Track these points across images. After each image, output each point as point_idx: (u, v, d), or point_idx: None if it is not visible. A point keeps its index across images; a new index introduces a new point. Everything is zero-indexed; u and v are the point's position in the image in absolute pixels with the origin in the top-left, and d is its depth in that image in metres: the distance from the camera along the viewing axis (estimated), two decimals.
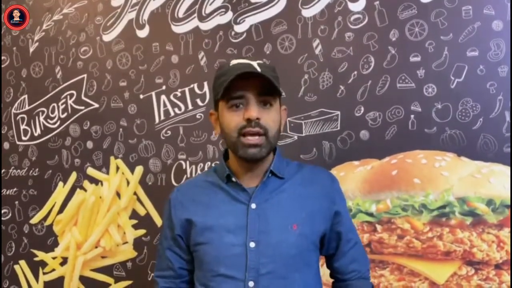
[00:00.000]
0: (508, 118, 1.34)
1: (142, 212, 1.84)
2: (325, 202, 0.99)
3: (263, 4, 1.66)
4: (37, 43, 2.12)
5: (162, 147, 1.81)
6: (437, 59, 1.42)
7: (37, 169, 2.08)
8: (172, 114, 1.80)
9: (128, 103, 1.89)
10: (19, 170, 2.12)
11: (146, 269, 1.82)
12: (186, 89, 1.78)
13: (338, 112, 1.54)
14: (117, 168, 1.90)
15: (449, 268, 1.37)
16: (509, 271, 1.32)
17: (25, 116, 2.13)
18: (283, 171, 0.99)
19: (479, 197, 1.34)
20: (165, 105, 1.82)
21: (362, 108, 1.50)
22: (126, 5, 1.91)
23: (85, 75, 1.99)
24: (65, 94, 2.03)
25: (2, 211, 2.14)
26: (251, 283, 0.89)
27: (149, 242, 1.82)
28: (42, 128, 2.08)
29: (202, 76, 1.75)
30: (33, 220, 2.06)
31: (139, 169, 1.85)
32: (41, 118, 2.08)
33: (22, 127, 2.13)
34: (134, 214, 1.85)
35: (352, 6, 1.54)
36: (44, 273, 2.02)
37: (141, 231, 1.83)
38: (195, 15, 1.78)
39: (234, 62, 0.93)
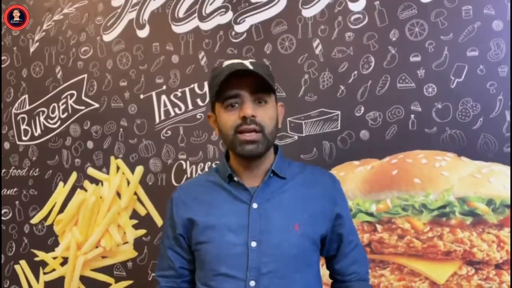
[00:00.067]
0: (508, 118, 1.35)
1: (142, 212, 1.84)
2: (326, 204, 0.99)
3: (263, 4, 1.66)
4: (37, 43, 2.12)
5: (163, 147, 1.81)
6: (437, 59, 1.42)
7: (37, 169, 2.08)
8: (173, 114, 1.81)
9: (129, 103, 1.89)
10: (19, 170, 2.12)
11: (147, 269, 1.82)
12: (187, 89, 1.78)
13: (338, 112, 1.54)
14: (118, 168, 1.90)
15: (450, 268, 1.38)
16: (509, 271, 1.32)
17: (25, 116, 2.13)
18: (285, 171, 0.99)
19: (479, 197, 1.35)
20: (165, 105, 1.82)
21: (362, 108, 1.51)
22: (127, 5, 1.92)
23: (85, 75, 1.99)
24: (65, 94, 2.03)
25: (3, 211, 2.15)
26: (252, 283, 0.89)
27: (150, 242, 1.82)
28: (43, 128, 2.08)
29: (202, 76, 1.75)
30: (34, 220, 2.06)
31: (139, 169, 1.85)
32: (42, 118, 2.08)
33: (23, 127, 2.13)
34: (134, 214, 1.85)
35: (352, 6, 1.54)
36: (44, 273, 2.03)
37: (142, 231, 1.84)
38: (195, 15, 1.78)
39: (227, 62, 0.94)
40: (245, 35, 1.69)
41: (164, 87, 1.82)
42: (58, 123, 2.04)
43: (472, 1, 1.39)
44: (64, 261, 1.98)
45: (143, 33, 1.88)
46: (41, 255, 2.04)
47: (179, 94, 1.80)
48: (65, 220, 1.98)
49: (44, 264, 2.03)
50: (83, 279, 1.94)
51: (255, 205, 0.94)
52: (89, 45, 1.99)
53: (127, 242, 1.86)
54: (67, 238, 1.97)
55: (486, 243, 1.34)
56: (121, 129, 1.90)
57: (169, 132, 1.81)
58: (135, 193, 1.85)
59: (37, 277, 2.05)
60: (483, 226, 1.34)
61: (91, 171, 1.95)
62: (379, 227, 1.45)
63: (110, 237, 1.88)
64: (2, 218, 2.15)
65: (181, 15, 1.81)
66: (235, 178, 0.97)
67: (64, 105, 2.03)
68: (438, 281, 1.38)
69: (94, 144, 1.95)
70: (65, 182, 2.00)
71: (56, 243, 2.00)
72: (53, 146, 2.04)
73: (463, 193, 1.36)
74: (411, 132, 1.44)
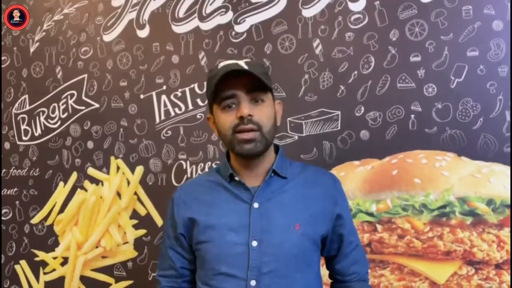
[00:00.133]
0: (508, 118, 1.35)
1: (142, 212, 1.84)
2: (327, 204, 0.99)
3: (263, 4, 1.66)
4: (37, 43, 2.12)
5: (163, 147, 1.81)
6: (437, 59, 1.42)
7: (37, 169, 2.08)
8: (173, 114, 1.81)
9: (129, 103, 1.89)
10: (19, 170, 2.12)
11: (147, 269, 1.82)
12: (187, 89, 1.79)
13: (339, 112, 1.54)
14: (118, 168, 1.90)
15: (450, 268, 1.38)
16: (509, 271, 1.32)
17: (25, 116, 2.13)
18: (286, 171, 0.99)
19: (479, 197, 1.35)
20: (165, 105, 1.82)
21: (363, 108, 1.51)
22: (127, 5, 1.92)
23: (85, 75, 1.99)
24: (65, 94, 2.03)
25: (3, 211, 2.15)
26: (253, 282, 0.89)
27: (150, 242, 1.82)
28: (43, 128, 2.08)
29: (202, 76, 1.75)
30: (34, 220, 2.06)
31: (139, 169, 1.85)
32: (42, 118, 2.08)
33: (23, 127, 2.13)
34: (134, 214, 1.85)
35: (352, 6, 1.54)
36: (44, 273, 2.03)
37: (142, 231, 1.84)
38: (196, 15, 1.78)
39: (221, 64, 0.94)
40: (245, 35, 1.69)
41: (164, 87, 1.82)
42: (58, 123, 2.04)
43: (472, 1, 1.39)
44: (64, 261, 1.98)
45: (143, 33, 1.88)
46: (41, 255, 2.04)
47: (179, 94, 1.80)
48: (65, 220, 1.98)
49: (44, 264, 2.03)
50: (83, 279, 1.94)
51: (256, 205, 0.94)
52: (89, 45, 1.99)
53: (127, 242, 1.86)
54: (67, 238, 1.97)
55: (486, 243, 1.34)
56: (121, 129, 1.90)
57: (169, 132, 1.81)
58: (135, 193, 1.85)
59: (37, 277, 2.05)
60: (483, 226, 1.34)
61: (91, 171, 1.95)
62: (379, 227, 1.45)
63: (110, 237, 1.88)
64: (2, 218, 2.15)
65: (181, 15, 1.81)
66: (236, 178, 0.97)
67: (64, 105, 2.03)
68: (438, 281, 1.38)
69: (94, 144, 1.95)
70: (65, 182, 2.00)
71: (56, 243, 2.01)
72: (53, 146, 2.04)
73: (463, 193, 1.36)
74: (411, 132, 1.44)
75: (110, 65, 1.94)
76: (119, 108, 1.91)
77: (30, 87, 2.12)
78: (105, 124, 1.93)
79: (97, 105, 1.96)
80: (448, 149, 1.40)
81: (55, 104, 2.05)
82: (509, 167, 1.33)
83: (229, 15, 1.72)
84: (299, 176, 1.01)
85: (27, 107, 2.12)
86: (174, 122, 1.80)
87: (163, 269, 1.07)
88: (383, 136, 1.47)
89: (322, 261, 1.08)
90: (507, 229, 1.32)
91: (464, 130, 1.38)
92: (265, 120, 0.92)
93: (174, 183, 1.78)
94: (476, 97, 1.38)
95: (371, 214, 1.46)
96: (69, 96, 2.02)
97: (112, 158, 1.91)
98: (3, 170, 2.16)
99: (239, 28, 1.70)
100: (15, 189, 2.13)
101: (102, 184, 1.92)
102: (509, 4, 1.36)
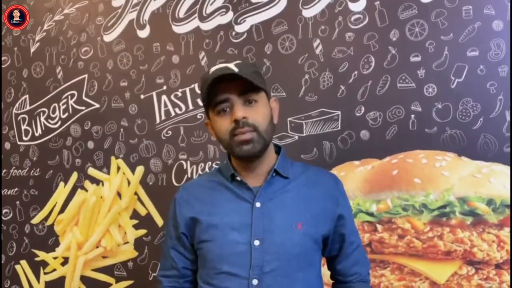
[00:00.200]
0: (508, 118, 1.35)
1: (143, 212, 1.84)
2: (328, 204, 1.00)
3: (263, 4, 1.66)
4: (38, 43, 2.12)
5: (163, 147, 1.82)
6: (438, 59, 1.43)
7: (38, 169, 2.08)
8: (173, 114, 1.81)
9: (129, 103, 1.89)
10: (20, 170, 2.12)
11: (147, 269, 1.83)
12: (187, 89, 1.79)
13: (339, 112, 1.54)
14: (118, 168, 1.90)
15: (450, 267, 1.38)
16: (510, 271, 1.32)
17: (26, 116, 2.13)
18: (287, 171, 1.00)
19: (479, 197, 1.35)
20: (165, 105, 1.82)
21: (363, 108, 1.51)
22: (127, 5, 1.92)
23: (86, 75, 1.99)
24: (66, 94, 2.03)
25: (3, 211, 2.15)
26: (255, 281, 0.90)
27: (150, 242, 1.82)
28: (43, 128, 2.08)
29: None
30: (34, 220, 2.06)
31: (140, 169, 1.85)
32: (42, 118, 2.08)
33: (23, 127, 2.14)
34: (135, 214, 1.85)
35: (352, 6, 1.54)
36: (45, 273, 2.03)
37: (142, 231, 1.84)
38: (196, 15, 1.78)
39: (213, 69, 0.94)
40: (245, 35, 1.69)
41: (165, 87, 1.83)
42: (59, 123, 2.04)
43: (472, 1, 1.39)
44: (65, 261, 1.98)
45: (143, 33, 1.88)
46: (41, 255, 2.04)
47: (180, 94, 1.80)
48: (65, 220, 1.98)
49: (44, 264, 2.03)
50: (83, 279, 1.94)
51: (258, 204, 0.94)
52: (89, 45, 1.99)
53: (127, 242, 1.86)
54: (67, 238, 1.97)
55: (486, 243, 1.34)
56: (121, 129, 1.90)
57: (170, 132, 1.81)
58: (136, 193, 1.86)
59: (37, 277, 2.05)
60: (483, 226, 1.34)
61: (91, 171, 1.95)
62: (379, 227, 1.45)
63: (110, 237, 1.88)
64: (3, 218, 2.15)
65: (181, 15, 1.81)
66: (238, 178, 0.98)
67: (65, 105, 2.03)
68: (438, 281, 1.39)
69: (94, 144, 1.95)
70: (65, 182, 2.00)
71: (56, 243, 2.01)
72: (54, 146, 2.05)
73: (464, 193, 1.36)
74: (411, 132, 1.44)
75: (110, 65, 1.94)
76: (120, 108, 1.91)
77: (31, 87, 2.13)
78: (106, 124, 1.93)
79: (97, 105, 1.96)
80: (448, 149, 1.40)
81: (56, 104, 2.05)
82: (509, 167, 1.34)
83: (230, 15, 1.72)
84: (301, 176, 1.01)
85: (28, 107, 2.13)
86: (174, 122, 1.80)
87: (164, 269, 1.07)
88: (383, 136, 1.47)
89: (323, 261, 1.08)
90: (507, 229, 1.32)
91: (464, 130, 1.39)
92: (260, 120, 0.92)
93: (175, 183, 1.78)
94: (476, 97, 1.38)
95: (371, 214, 1.46)
96: (69, 96, 2.02)
97: (113, 158, 1.91)
98: (4, 170, 2.16)
99: (239, 28, 1.70)
100: (16, 189, 2.13)
101: (103, 184, 1.92)
102: (509, 4, 1.36)
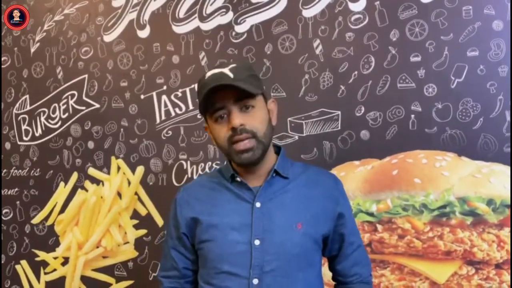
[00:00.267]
0: (508, 118, 1.35)
1: (143, 212, 1.84)
2: (329, 204, 1.00)
3: (263, 4, 1.66)
4: (38, 44, 2.12)
5: (163, 147, 1.82)
6: (438, 59, 1.43)
7: (38, 169, 2.08)
8: (173, 114, 1.81)
9: (129, 103, 1.89)
10: (20, 170, 2.12)
11: (147, 269, 1.83)
12: (187, 89, 1.79)
13: (339, 112, 1.54)
14: (118, 168, 1.90)
15: (450, 267, 1.38)
16: (510, 271, 1.33)
17: (26, 116, 2.13)
18: (287, 171, 1.00)
19: (479, 197, 1.35)
20: (166, 105, 1.82)
21: (363, 108, 1.51)
22: (127, 5, 1.92)
23: (86, 76, 1.99)
24: (66, 95, 2.03)
25: (4, 211, 2.15)
26: (255, 281, 0.90)
27: (150, 242, 1.82)
28: (43, 128, 2.08)
29: None
30: (35, 220, 2.06)
31: (140, 169, 1.85)
32: (42, 118, 2.08)
33: (24, 127, 2.14)
34: (135, 214, 1.86)
35: (352, 6, 1.54)
36: (45, 273, 2.03)
37: (142, 231, 1.84)
38: (196, 15, 1.78)
39: (208, 74, 0.94)
40: (245, 35, 1.69)
41: (165, 87, 1.83)
42: (59, 123, 2.04)
43: (472, 1, 1.39)
44: (65, 261, 1.98)
45: (143, 33, 1.88)
46: (42, 255, 2.04)
47: (180, 94, 1.80)
48: (66, 220, 1.98)
49: (45, 264, 2.03)
50: (84, 279, 1.94)
51: (258, 204, 0.94)
52: (89, 45, 1.99)
53: (128, 242, 1.86)
54: (68, 238, 1.97)
55: (486, 243, 1.34)
56: (121, 129, 1.90)
57: (170, 132, 1.81)
58: (136, 193, 1.86)
59: (38, 277, 2.05)
60: (483, 226, 1.34)
61: (92, 171, 1.95)
62: (379, 227, 1.46)
63: (111, 237, 1.88)
64: (3, 218, 2.15)
65: (181, 15, 1.81)
66: (238, 178, 0.98)
67: (65, 105, 2.03)
68: (438, 281, 1.39)
69: (95, 144, 1.95)
70: (66, 182, 2.00)
71: (57, 243, 2.01)
72: (54, 146, 2.05)
73: (464, 193, 1.36)
74: (411, 132, 1.44)
75: (110, 65, 1.94)
76: (120, 108, 1.91)
77: (31, 87, 2.13)
78: (106, 124, 1.93)
79: (97, 105, 1.96)
80: (448, 149, 1.40)
81: (56, 104, 2.05)
82: (509, 167, 1.34)
83: (230, 16, 1.72)
84: (301, 176, 1.01)
85: (28, 107, 2.13)
86: (174, 122, 1.80)
87: (165, 269, 1.07)
88: (383, 136, 1.48)
89: (323, 261, 1.08)
90: (507, 229, 1.32)
91: (464, 130, 1.39)
92: (258, 126, 0.92)
93: (175, 183, 1.78)
94: (476, 97, 1.38)
95: (371, 214, 1.47)
96: (69, 96, 2.02)
97: (113, 158, 1.91)
98: (4, 170, 2.16)
99: (239, 29, 1.70)
100: (16, 189, 2.13)
101: (103, 184, 1.93)
102: (509, 4, 1.36)
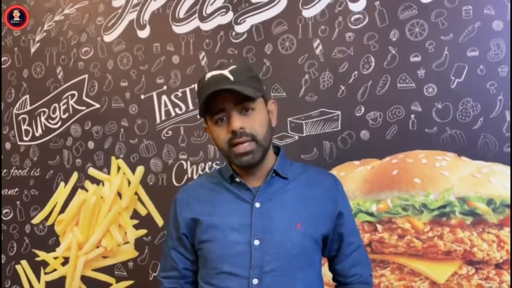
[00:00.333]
0: (508, 118, 1.35)
1: (143, 212, 1.84)
2: (328, 204, 1.00)
3: (263, 4, 1.66)
4: (38, 44, 2.12)
5: (163, 147, 1.82)
6: (437, 59, 1.43)
7: (38, 169, 2.08)
8: (173, 114, 1.81)
9: (129, 103, 1.89)
10: (20, 170, 2.13)
11: (148, 269, 1.83)
12: (187, 89, 1.79)
13: (339, 112, 1.54)
14: (118, 168, 1.90)
15: (450, 267, 1.38)
16: (510, 271, 1.33)
17: (26, 116, 2.13)
18: (287, 171, 1.00)
19: (479, 196, 1.35)
20: (166, 105, 1.82)
21: (363, 108, 1.51)
22: (127, 5, 1.92)
23: (86, 76, 1.99)
24: (66, 95, 2.03)
25: (4, 211, 2.15)
26: (255, 281, 0.90)
27: (150, 242, 1.82)
28: (44, 128, 2.08)
29: None
30: (35, 220, 2.06)
31: (140, 169, 1.85)
32: (43, 119, 2.09)
33: (24, 127, 2.14)
34: (135, 214, 1.86)
35: (352, 6, 1.54)
36: (45, 273, 2.03)
37: (142, 231, 1.84)
38: (196, 15, 1.78)
39: (208, 75, 0.93)
40: (245, 35, 1.69)
41: (165, 87, 1.83)
42: (59, 123, 2.04)
43: (472, 1, 1.39)
44: (65, 261, 1.98)
45: (143, 33, 1.88)
46: (42, 255, 2.04)
47: (180, 94, 1.80)
48: (66, 220, 1.98)
49: (45, 264, 2.03)
50: (84, 279, 1.94)
51: (257, 205, 0.95)
52: (89, 45, 2.00)
53: (128, 242, 1.86)
54: (68, 238, 1.98)
55: (486, 243, 1.34)
56: (122, 129, 1.90)
57: (170, 132, 1.81)
58: (136, 193, 1.86)
59: (38, 277, 2.05)
60: (483, 226, 1.34)
61: (92, 171, 1.95)
62: (379, 227, 1.46)
63: (111, 237, 1.88)
64: (3, 218, 2.15)
65: (181, 15, 1.81)
66: (237, 179, 0.98)
67: (65, 106, 2.03)
68: (438, 280, 1.39)
69: (95, 144, 1.96)
70: (66, 182, 2.01)
71: (57, 243, 2.01)
72: (54, 146, 2.05)
73: (463, 193, 1.36)
74: (411, 132, 1.44)
75: (110, 65, 1.94)
76: (120, 108, 1.91)
77: (31, 87, 2.13)
78: (106, 124, 1.93)
79: (97, 105, 1.96)
80: (448, 149, 1.40)
81: (56, 105, 2.05)
82: (509, 167, 1.34)
83: (230, 16, 1.72)
84: (300, 176, 1.01)
85: (28, 108, 2.13)
86: (174, 122, 1.81)
87: (165, 270, 1.07)
88: (383, 136, 1.48)
89: (323, 260, 1.08)
90: (507, 229, 1.33)
91: (464, 130, 1.39)
92: (258, 128, 0.92)
93: (175, 183, 1.79)
94: (476, 97, 1.38)
95: (371, 214, 1.47)
96: (69, 97, 2.03)
97: (113, 158, 1.91)
98: (4, 170, 2.16)
99: (239, 29, 1.70)
100: (16, 189, 2.13)
101: (103, 184, 1.93)
102: (509, 4, 1.36)
